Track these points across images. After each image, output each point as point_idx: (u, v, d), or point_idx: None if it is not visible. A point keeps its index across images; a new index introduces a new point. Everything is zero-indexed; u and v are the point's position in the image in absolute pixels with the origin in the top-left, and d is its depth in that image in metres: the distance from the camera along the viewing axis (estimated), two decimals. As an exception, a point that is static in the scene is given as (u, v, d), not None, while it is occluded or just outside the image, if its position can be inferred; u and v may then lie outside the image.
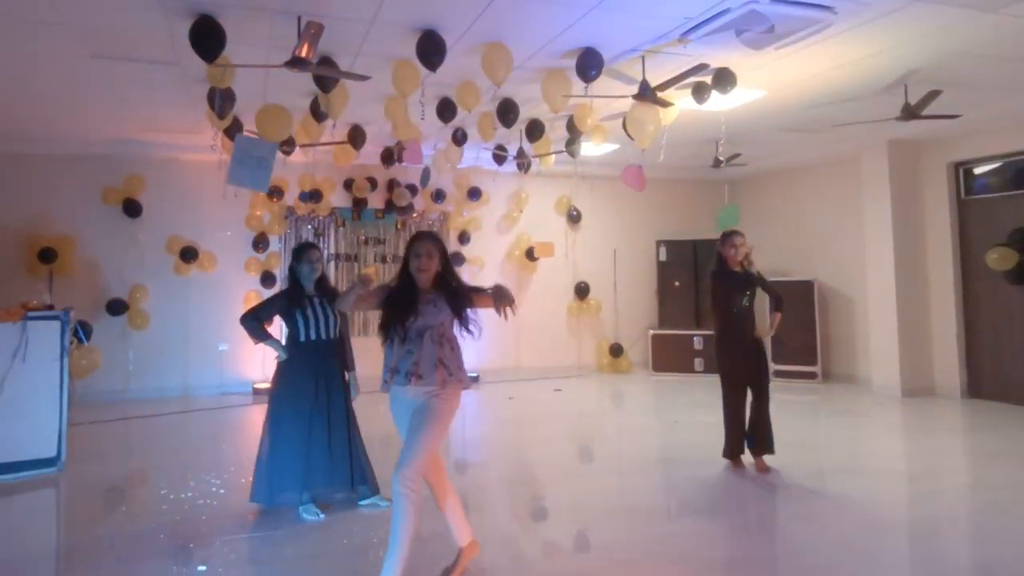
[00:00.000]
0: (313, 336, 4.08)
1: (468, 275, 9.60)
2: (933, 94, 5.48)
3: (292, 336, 4.12)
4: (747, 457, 4.99)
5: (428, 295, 3.03)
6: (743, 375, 4.86)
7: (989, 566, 3.41)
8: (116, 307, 7.93)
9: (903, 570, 3.41)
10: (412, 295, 3.01)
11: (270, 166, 4.55)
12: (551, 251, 9.57)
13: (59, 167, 7.89)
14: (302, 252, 4.15)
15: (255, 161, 4.47)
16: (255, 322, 4.12)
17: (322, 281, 4.18)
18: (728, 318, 4.87)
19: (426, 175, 7.23)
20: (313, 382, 4.06)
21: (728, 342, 4.89)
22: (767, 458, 4.88)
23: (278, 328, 4.44)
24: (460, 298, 3.06)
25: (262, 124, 5.17)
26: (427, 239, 3.08)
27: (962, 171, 7.79)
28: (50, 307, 5.30)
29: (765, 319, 5.10)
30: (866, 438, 6.21)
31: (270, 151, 4.58)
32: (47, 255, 7.53)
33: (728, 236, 4.92)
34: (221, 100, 5.07)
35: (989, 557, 3.51)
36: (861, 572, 3.32)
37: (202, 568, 3.35)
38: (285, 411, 4.05)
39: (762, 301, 5.13)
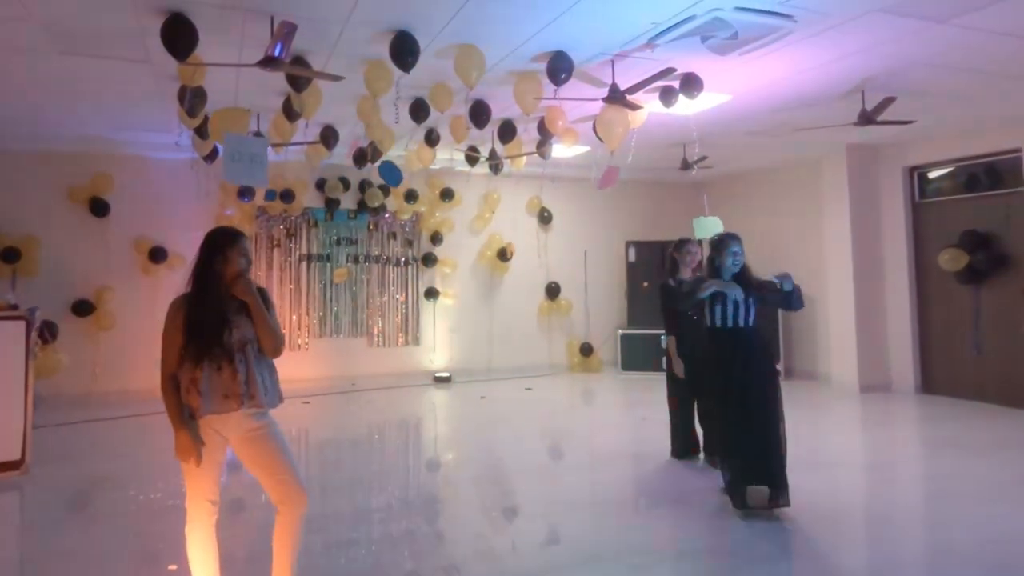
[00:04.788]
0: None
1: (439, 277, 9.67)
2: (888, 100, 5.71)
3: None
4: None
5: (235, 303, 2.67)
6: (693, 379, 4.99)
7: (940, 550, 3.59)
8: (82, 308, 7.80)
9: (859, 555, 3.57)
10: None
11: (264, 161, 4.57)
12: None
13: (24, 165, 7.74)
14: (726, 244, 4.13)
15: (248, 157, 4.47)
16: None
17: (744, 271, 4.15)
18: (678, 324, 5.04)
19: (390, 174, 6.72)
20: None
21: (678, 347, 5.04)
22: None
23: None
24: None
25: (218, 127, 5.16)
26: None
27: (916, 175, 8.11)
28: (14, 307, 5.20)
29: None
30: (824, 432, 6.43)
31: (262, 146, 4.59)
32: (10, 255, 7.38)
33: (683, 243, 5.16)
34: (192, 99, 5.05)
35: (940, 541, 3.70)
36: (818, 558, 3.47)
37: (173, 567, 3.35)
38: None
39: None
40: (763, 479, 3.99)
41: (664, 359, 5.32)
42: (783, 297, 4.10)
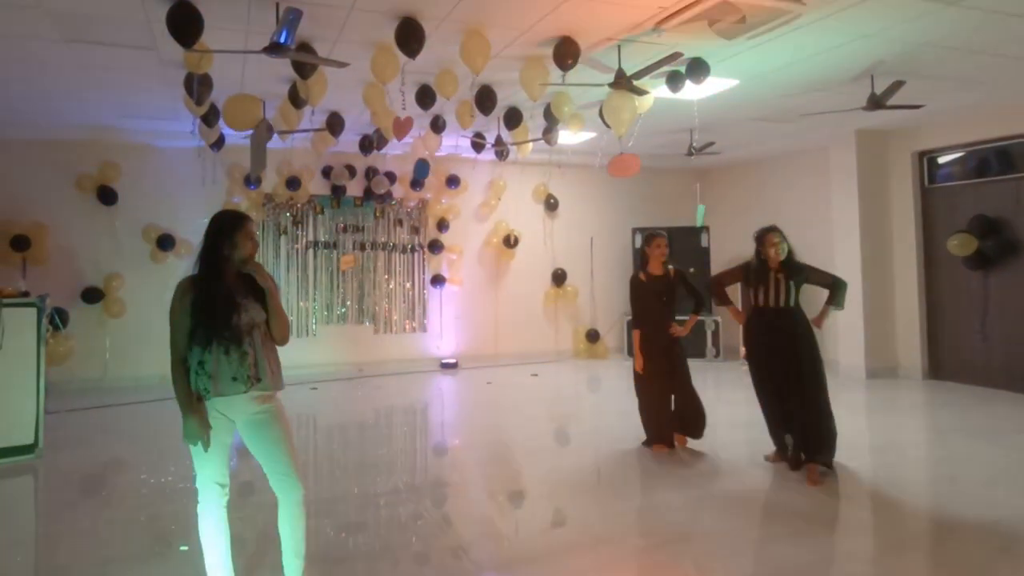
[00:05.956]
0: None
1: (446, 263, 9.69)
2: (897, 84, 5.66)
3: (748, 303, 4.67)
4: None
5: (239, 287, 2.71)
6: (662, 372, 5.03)
7: (945, 533, 3.61)
8: (92, 295, 7.87)
9: (864, 538, 3.59)
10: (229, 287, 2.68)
11: (264, 145, 4.61)
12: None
13: (32, 153, 7.78)
14: (768, 239, 4.52)
15: (258, 145, 4.52)
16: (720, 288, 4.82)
17: (790, 256, 4.52)
18: (646, 319, 5.07)
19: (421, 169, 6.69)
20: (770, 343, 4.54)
21: (646, 341, 5.07)
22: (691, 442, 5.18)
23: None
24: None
25: (230, 114, 5.18)
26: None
27: (926, 160, 8.04)
28: (25, 294, 5.26)
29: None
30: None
31: (263, 129, 4.62)
32: (20, 243, 7.44)
33: (652, 237, 5.14)
34: (198, 86, 5.07)
35: (945, 524, 3.71)
36: (823, 541, 3.49)
37: (184, 548, 3.41)
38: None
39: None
40: (798, 441, 4.46)
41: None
42: (829, 286, 4.62)
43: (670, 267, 5.12)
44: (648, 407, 5.15)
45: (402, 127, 5.79)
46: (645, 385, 5.12)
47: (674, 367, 5.05)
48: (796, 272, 4.52)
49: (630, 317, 9.79)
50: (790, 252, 4.54)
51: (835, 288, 4.62)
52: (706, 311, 5.26)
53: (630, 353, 9.76)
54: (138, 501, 4.16)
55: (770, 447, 4.78)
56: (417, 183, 9.26)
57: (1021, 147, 7.09)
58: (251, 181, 8.28)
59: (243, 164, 8.26)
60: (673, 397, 5.10)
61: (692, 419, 5.07)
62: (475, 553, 3.37)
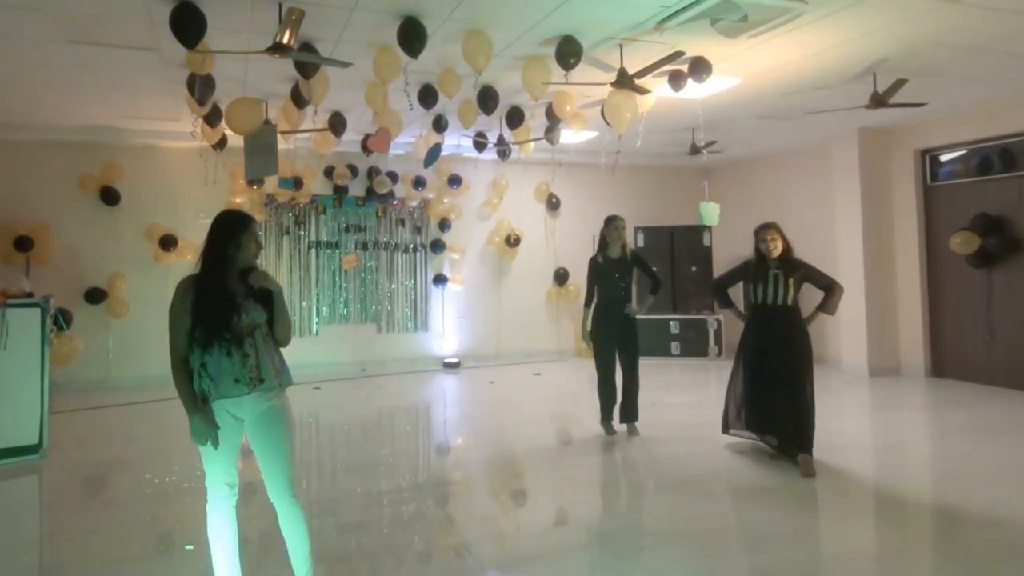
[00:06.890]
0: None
1: (448, 263, 9.70)
2: (900, 82, 5.65)
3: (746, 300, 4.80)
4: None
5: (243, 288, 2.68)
6: (613, 350, 5.37)
7: (948, 529, 3.61)
8: (95, 296, 7.89)
9: (866, 536, 3.59)
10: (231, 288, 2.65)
11: (275, 148, 4.63)
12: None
13: (35, 154, 7.80)
14: (762, 235, 4.60)
15: (262, 149, 4.52)
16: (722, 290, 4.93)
17: (785, 253, 4.57)
18: (602, 297, 5.32)
19: (433, 154, 6.71)
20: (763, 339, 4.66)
21: (602, 319, 5.34)
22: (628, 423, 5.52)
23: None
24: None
25: (233, 117, 5.18)
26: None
27: (928, 158, 8.03)
28: (29, 295, 5.27)
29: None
30: (834, 415, 6.41)
31: (272, 134, 4.63)
32: (23, 243, 7.46)
33: (610, 220, 5.42)
34: (201, 87, 5.08)
35: (948, 522, 3.71)
36: (826, 539, 3.49)
37: (189, 547, 3.42)
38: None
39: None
40: (776, 432, 4.60)
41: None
42: (825, 288, 4.59)
43: (628, 249, 5.35)
44: (599, 385, 5.51)
45: (380, 140, 5.93)
46: (597, 361, 5.47)
47: (622, 349, 5.36)
48: (793, 269, 4.52)
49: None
50: (787, 249, 4.55)
51: (830, 292, 4.57)
52: (661, 292, 5.52)
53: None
54: (143, 501, 4.17)
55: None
56: (419, 182, 9.17)
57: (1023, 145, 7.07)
58: (253, 180, 8.29)
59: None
60: (620, 380, 5.43)
61: (628, 404, 5.41)
62: (478, 552, 3.38)
